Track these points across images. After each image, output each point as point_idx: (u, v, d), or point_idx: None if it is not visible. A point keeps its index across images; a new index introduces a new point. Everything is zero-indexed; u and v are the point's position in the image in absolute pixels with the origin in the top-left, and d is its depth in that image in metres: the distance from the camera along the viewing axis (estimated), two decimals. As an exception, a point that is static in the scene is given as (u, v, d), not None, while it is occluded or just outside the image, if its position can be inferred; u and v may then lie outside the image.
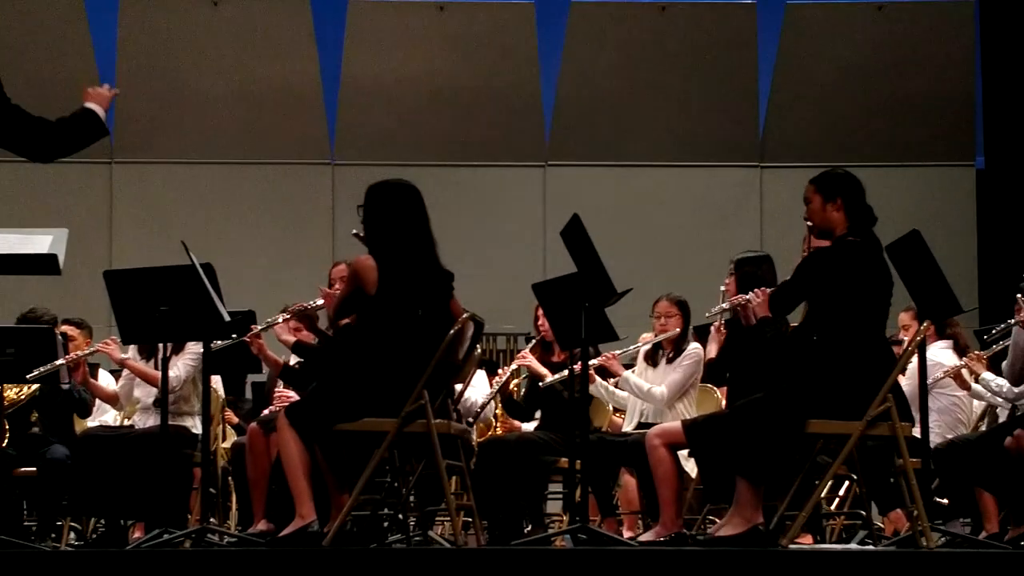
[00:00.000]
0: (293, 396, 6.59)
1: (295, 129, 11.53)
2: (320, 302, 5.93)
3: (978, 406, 7.32)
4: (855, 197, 5.24)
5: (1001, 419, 6.74)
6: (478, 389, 7.31)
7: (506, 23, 11.50)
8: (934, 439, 6.42)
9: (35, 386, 7.02)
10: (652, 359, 6.89)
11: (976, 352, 6.71)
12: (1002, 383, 6.54)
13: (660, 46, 11.52)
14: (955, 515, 6.62)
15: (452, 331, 5.30)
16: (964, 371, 6.74)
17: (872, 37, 11.57)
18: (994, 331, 6.40)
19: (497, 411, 7.59)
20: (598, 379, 6.75)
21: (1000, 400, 6.60)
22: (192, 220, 10.76)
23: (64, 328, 7.21)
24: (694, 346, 6.71)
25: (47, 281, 5.64)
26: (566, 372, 6.20)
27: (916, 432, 5.86)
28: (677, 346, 6.78)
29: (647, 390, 6.71)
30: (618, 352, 6.75)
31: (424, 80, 11.55)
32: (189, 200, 11.32)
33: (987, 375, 6.64)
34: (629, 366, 6.96)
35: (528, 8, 11.48)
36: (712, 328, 6.08)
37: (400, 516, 6.03)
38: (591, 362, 6.07)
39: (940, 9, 11.60)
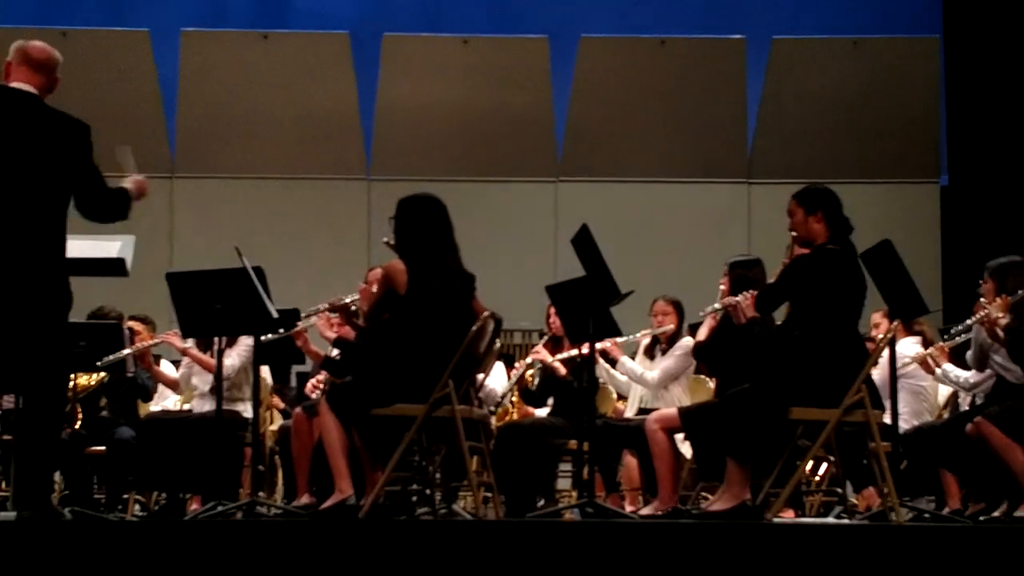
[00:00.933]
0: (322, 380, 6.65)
1: (335, 148, 11.53)
2: (356, 297, 5.93)
3: (942, 396, 7.30)
4: (833, 209, 5.23)
5: (963, 408, 6.72)
6: (497, 379, 7.30)
7: (523, 55, 11.48)
8: (902, 425, 6.40)
9: (103, 374, 7.03)
10: (650, 353, 6.89)
11: (940, 344, 6.69)
12: (960, 373, 6.55)
13: (659, 75, 11.50)
14: (921, 493, 6.59)
15: (474, 327, 5.29)
16: (928, 359, 6.74)
17: (848, 68, 11.53)
18: (955, 329, 6.38)
19: (514, 399, 7.59)
20: (601, 361, 6.75)
21: (959, 388, 6.62)
22: (244, 228, 10.74)
23: (130, 323, 7.23)
24: (686, 339, 6.70)
25: (116, 282, 5.63)
26: (575, 352, 6.19)
27: (887, 419, 5.84)
28: (672, 341, 6.77)
29: (640, 374, 6.73)
30: (620, 340, 6.74)
31: (449, 105, 11.54)
32: (241, 211, 11.32)
33: (948, 366, 6.64)
34: (633, 356, 6.96)
35: (542, 42, 11.46)
36: (708, 316, 6.06)
37: (427, 491, 6.02)
38: (597, 345, 6.07)
39: (908, 43, 11.56)
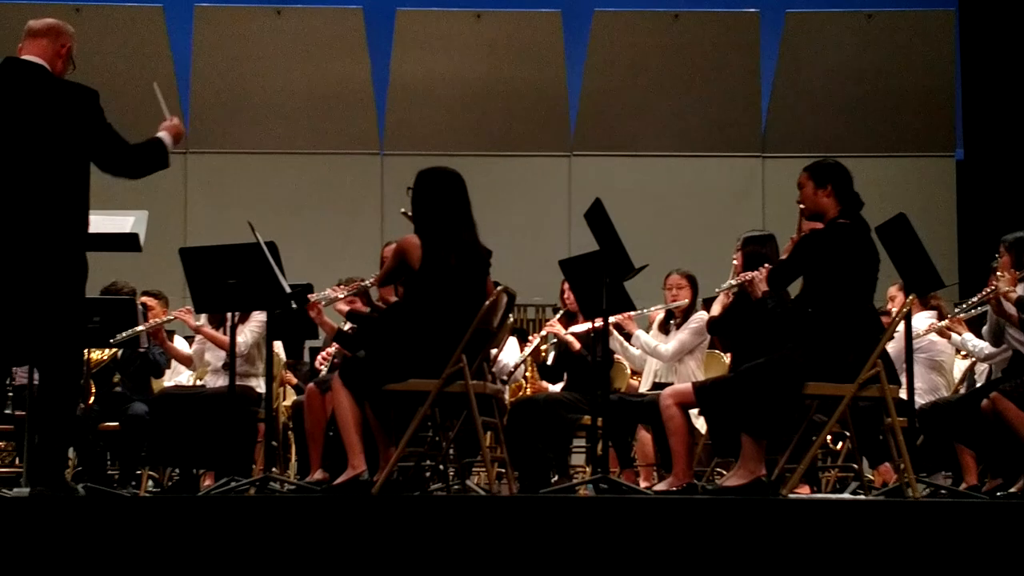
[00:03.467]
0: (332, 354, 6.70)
1: (348, 124, 11.50)
2: (372, 280, 5.90)
3: (958, 371, 7.25)
4: (843, 184, 5.19)
5: (979, 383, 6.67)
6: (510, 354, 7.27)
7: (536, 29, 11.42)
8: (918, 400, 6.35)
9: (116, 350, 7.02)
10: (664, 328, 6.85)
11: (953, 317, 6.66)
12: (977, 343, 6.52)
13: (673, 49, 11.43)
14: (938, 468, 6.55)
15: (487, 302, 5.25)
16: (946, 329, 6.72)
17: (862, 41, 11.45)
18: (967, 303, 6.33)
19: (527, 373, 7.55)
20: (615, 334, 6.71)
21: (976, 357, 6.60)
22: (257, 204, 10.73)
23: (144, 299, 7.21)
24: (700, 313, 6.66)
25: (129, 257, 5.61)
26: (589, 325, 6.18)
27: (903, 394, 5.79)
28: (686, 315, 6.73)
29: (654, 347, 6.69)
30: (633, 314, 6.70)
31: (463, 80, 11.50)
32: (255, 186, 11.30)
33: (967, 335, 6.61)
34: (647, 330, 6.92)
35: (555, 16, 11.40)
36: (721, 294, 6.02)
37: (441, 467, 5.99)
38: (611, 319, 6.02)
39: (923, 16, 11.47)
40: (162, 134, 4.82)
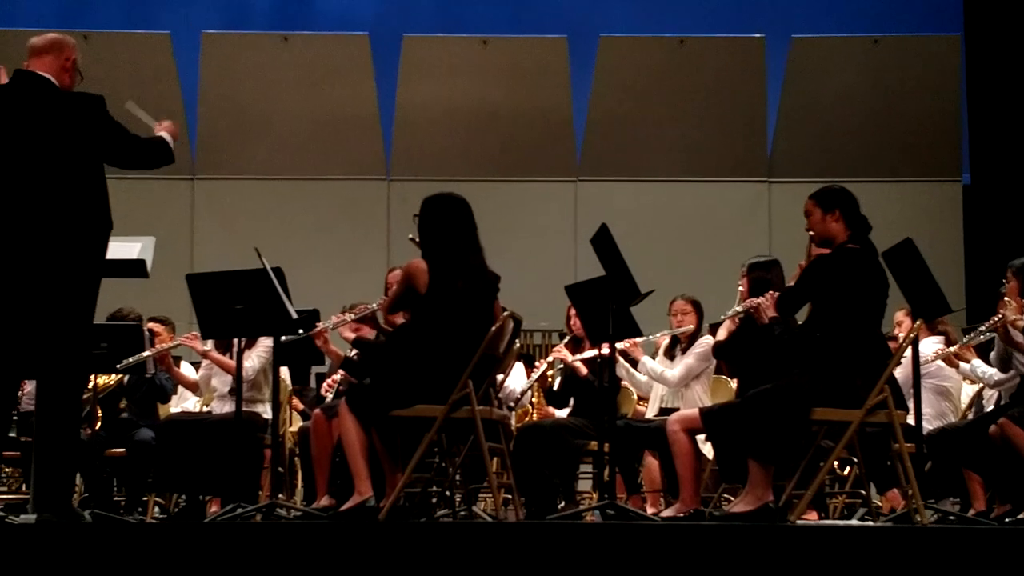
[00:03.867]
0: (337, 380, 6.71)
1: (355, 149, 11.53)
2: (378, 304, 5.91)
3: (966, 396, 7.24)
4: (850, 208, 5.20)
5: (987, 408, 6.66)
6: (516, 379, 7.27)
7: (542, 55, 11.46)
8: (926, 426, 6.34)
9: (122, 375, 7.02)
10: (670, 353, 6.85)
11: (962, 343, 6.65)
12: (986, 369, 6.50)
13: (679, 75, 11.46)
14: (946, 494, 6.52)
15: (493, 328, 5.26)
16: (952, 356, 6.70)
17: (868, 66, 11.47)
18: (974, 331, 6.33)
19: (534, 399, 7.55)
20: (621, 360, 6.70)
21: (985, 384, 6.58)
22: (264, 229, 10.76)
23: (151, 325, 7.22)
24: (706, 338, 6.66)
25: (136, 283, 5.62)
26: (595, 352, 6.19)
27: (910, 419, 5.78)
28: (692, 340, 6.73)
29: (660, 372, 6.69)
30: (639, 340, 6.70)
31: (469, 106, 11.53)
32: (261, 212, 11.33)
33: (976, 361, 6.60)
34: (653, 356, 6.92)
35: (561, 42, 11.44)
36: (727, 320, 6.02)
37: (447, 493, 5.99)
38: (617, 345, 6.02)
39: (929, 41, 11.49)
40: (162, 133, 4.87)
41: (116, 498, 7.17)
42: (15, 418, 6.58)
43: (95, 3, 11.97)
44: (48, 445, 4.48)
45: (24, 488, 7.43)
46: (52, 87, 4.60)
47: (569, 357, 6.78)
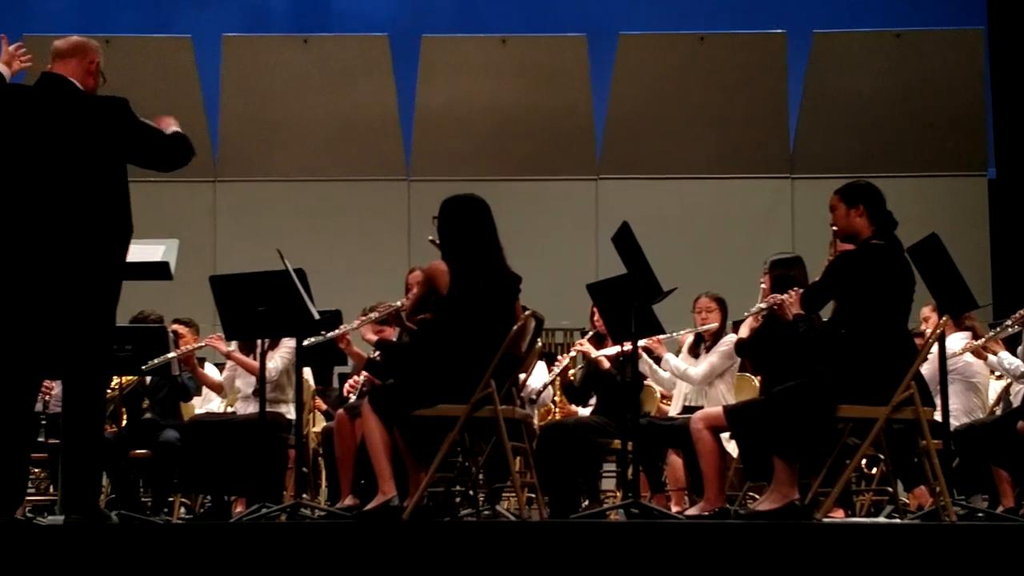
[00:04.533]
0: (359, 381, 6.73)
1: (375, 150, 11.55)
2: (400, 303, 5.93)
3: (994, 392, 7.20)
4: (875, 203, 5.17)
5: (1015, 404, 6.63)
6: (538, 378, 7.27)
7: (561, 53, 11.45)
8: (953, 422, 6.31)
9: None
10: (695, 351, 6.84)
11: (992, 336, 6.63)
12: (1013, 361, 6.48)
13: (699, 71, 11.43)
14: (974, 491, 6.50)
15: (515, 327, 5.26)
16: (981, 349, 6.68)
17: (891, 61, 11.42)
18: (1000, 327, 6.30)
19: (556, 398, 7.55)
20: (644, 356, 6.70)
21: (1012, 376, 6.56)
22: (286, 231, 10.78)
23: (175, 327, 7.26)
24: (730, 336, 6.65)
25: (159, 286, 5.65)
26: (617, 349, 6.18)
27: (937, 416, 5.76)
28: (716, 338, 6.72)
29: (684, 370, 6.68)
30: (663, 337, 6.69)
31: (489, 105, 11.53)
32: (283, 213, 11.36)
33: (1003, 353, 6.58)
34: (677, 353, 6.91)
35: (581, 40, 11.43)
36: (749, 317, 6.01)
37: (471, 492, 6.00)
38: (640, 342, 6.02)
39: (953, 35, 11.43)
40: (174, 128, 4.81)
41: (143, 499, 7.21)
42: (43, 421, 6.62)
43: (116, 7, 12.03)
44: (75, 447, 4.51)
45: (52, 489, 7.48)
46: (76, 90, 4.62)
47: (592, 351, 6.79)
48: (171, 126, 4.82)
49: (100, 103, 4.62)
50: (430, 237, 5.51)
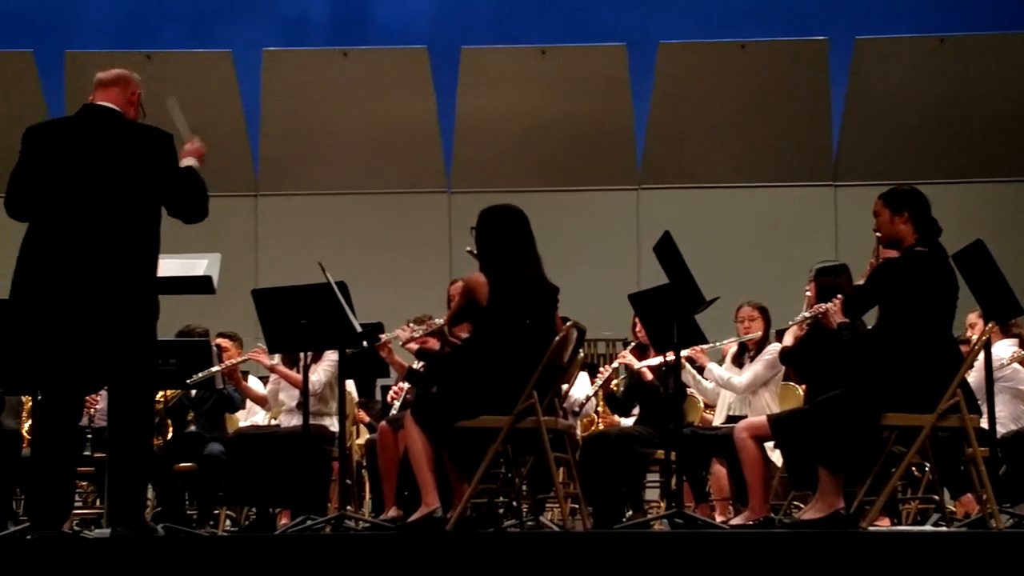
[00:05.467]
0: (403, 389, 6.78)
1: (416, 162, 11.61)
2: (444, 320, 5.96)
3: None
4: (920, 210, 5.15)
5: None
6: (581, 389, 7.28)
7: (601, 63, 11.46)
8: (1000, 429, 6.26)
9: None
10: (738, 361, 6.83)
11: None
12: None
13: (741, 79, 11.41)
14: (1022, 499, 6.44)
15: (557, 338, 5.28)
16: None
17: (934, 66, 11.35)
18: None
19: (599, 408, 7.56)
20: (688, 366, 6.69)
21: None
22: (327, 244, 10.85)
23: (218, 340, 7.32)
24: (774, 345, 6.63)
25: (203, 300, 5.71)
26: (660, 359, 6.20)
27: (984, 423, 5.72)
28: (760, 347, 6.71)
29: (727, 379, 6.67)
30: (706, 347, 6.69)
31: (529, 116, 11.56)
32: (325, 226, 11.43)
33: None
34: (720, 363, 6.90)
35: (621, 49, 11.44)
36: (794, 326, 6.00)
37: (514, 503, 6.01)
38: (683, 352, 6.02)
39: (997, 40, 11.34)
40: (188, 161, 4.83)
41: (188, 512, 7.28)
42: (88, 435, 6.71)
43: (157, 23, 12.16)
44: (121, 460, 4.57)
45: (98, 503, 7.56)
46: (120, 118, 4.70)
47: (635, 363, 6.79)
48: (192, 155, 4.85)
49: (145, 132, 4.70)
50: (468, 248, 5.54)
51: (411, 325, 6.39)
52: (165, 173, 4.67)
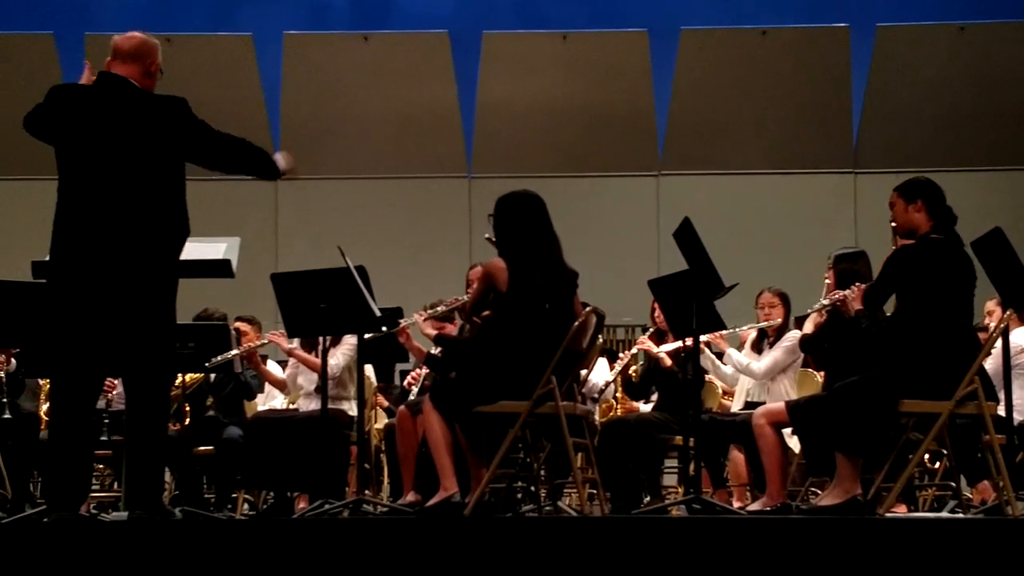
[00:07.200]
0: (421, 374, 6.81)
1: (436, 147, 11.60)
2: (465, 299, 5.96)
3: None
4: (934, 198, 5.17)
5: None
6: (600, 374, 7.28)
7: (622, 49, 11.44)
8: (1017, 416, 6.23)
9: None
10: (758, 347, 6.82)
11: None
12: None
13: (761, 66, 11.37)
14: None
15: (576, 323, 5.28)
16: None
17: (955, 54, 11.29)
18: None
19: (618, 394, 7.56)
20: (707, 351, 6.68)
21: None
22: (347, 228, 10.86)
23: (237, 324, 7.33)
24: (794, 331, 6.62)
25: (221, 283, 5.72)
26: (679, 345, 6.22)
27: (1001, 411, 5.70)
28: (779, 333, 6.69)
29: (746, 365, 6.66)
30: (724, 333, 6.68)
31: (550, 101, 11.54)
32: (344, 211, 11.44)
33: None
34: (740, 349, 6.89)
35: (642, 36, 11.41)
36: (813, 313, 5.98)
37: (532, 488, 6.02)
38: (702, 337, 6.02)
39: (1017, 28, 11.27)
40: (283, 164, 5.09)
41: (206, 495, 7.30)
42: (106, 419, 6.73)
43: (177, 6, 12.16)
44: (138, 444, 4.58)
45: (116, 486, 7.59)
46: (135, 89, 4.69)
47: (654, 348, 6.79)
48: (284, 161, 5.04)
49: (159, 102, 4.70)
50: (486, 235, 5.54)
51: (426, 310, 6.39)
52: (186, 133, 4.67)
